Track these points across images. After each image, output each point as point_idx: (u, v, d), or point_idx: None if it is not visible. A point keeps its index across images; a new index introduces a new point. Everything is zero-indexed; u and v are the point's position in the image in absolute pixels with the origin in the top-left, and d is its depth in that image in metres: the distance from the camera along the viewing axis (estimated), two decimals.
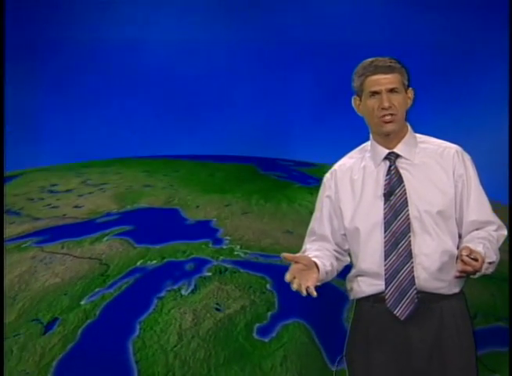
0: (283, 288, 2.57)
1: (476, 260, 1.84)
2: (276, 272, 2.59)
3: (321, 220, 2.14)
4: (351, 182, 2.12)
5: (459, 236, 2.07)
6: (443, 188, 2.07)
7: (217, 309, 2.35)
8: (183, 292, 2.44)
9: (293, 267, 1.86)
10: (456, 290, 2.01)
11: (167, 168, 4.46)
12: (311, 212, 3.86)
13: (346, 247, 2.13)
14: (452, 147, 2.12)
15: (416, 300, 1.95)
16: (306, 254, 2.03)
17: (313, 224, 2.17)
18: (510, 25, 3.90)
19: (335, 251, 2.12)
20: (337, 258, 2.12)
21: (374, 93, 2.04)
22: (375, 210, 2.04)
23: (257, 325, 2.30)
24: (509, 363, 2.66)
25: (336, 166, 2.19)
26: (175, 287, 2.49)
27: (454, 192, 2.07)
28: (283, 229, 3.14)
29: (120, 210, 3.44)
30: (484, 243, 1.98)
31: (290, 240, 2.99)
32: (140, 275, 2.59)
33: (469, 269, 1.84)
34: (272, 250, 2.88)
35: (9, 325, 2.25)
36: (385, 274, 1.98)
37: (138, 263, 2.68)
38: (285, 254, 1.84)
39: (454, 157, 2.09)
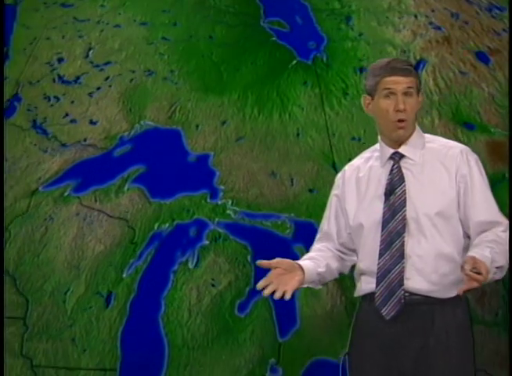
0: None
1: (479, 273, 1.76)
2: (256, 237, 3.48)
3: (329, 218, 2.20)
4: (357, 180, 2.13)
5: (468, 237, 2.04)
6: (444, 189, 2.01)
7: (212, 285, 3.28)
8: (190, 265, 3.40)
9: (272, 273, 1.95)
10: (452, 295, 1.96)
11: (164, 19, 4.50)
12: (298, 133, 4.48)
13: (352, 246, 2.15)
14: (457, 147, 2.10)
15: (402, 301, 1.94)
16: (305, 256, 2.14)
17: (323, 222, 2.23)
18: (510, 26, 3.70)
19: (338, 250, 2.16)
20: (341, 258, 2.15)
21: (390, 94, 2.02)
22: (375, 209, 2.04)
23: (238, 301, 3.18)
24: (509, 363, 2.51)
25: (347, 166, 2.23)
26: (184, 259, 3.43)
27: (456, 192, 2.01)
28: (269, 169, 3.78)
29: (131, 134, 4.05)
30: (492, 247, 1.90)
31: (272, 188, 3.67)
32: (158, 243, 3.52)
33: (474, 285, 1.77)
34: (256, 204, 3.65)
35: (82, 297, 3.23)
36: (377, 273, 1.99)
37: (156, 226, 3.59)
38: (261, 262, 1.98)
39: (458, 157, 2.05)
